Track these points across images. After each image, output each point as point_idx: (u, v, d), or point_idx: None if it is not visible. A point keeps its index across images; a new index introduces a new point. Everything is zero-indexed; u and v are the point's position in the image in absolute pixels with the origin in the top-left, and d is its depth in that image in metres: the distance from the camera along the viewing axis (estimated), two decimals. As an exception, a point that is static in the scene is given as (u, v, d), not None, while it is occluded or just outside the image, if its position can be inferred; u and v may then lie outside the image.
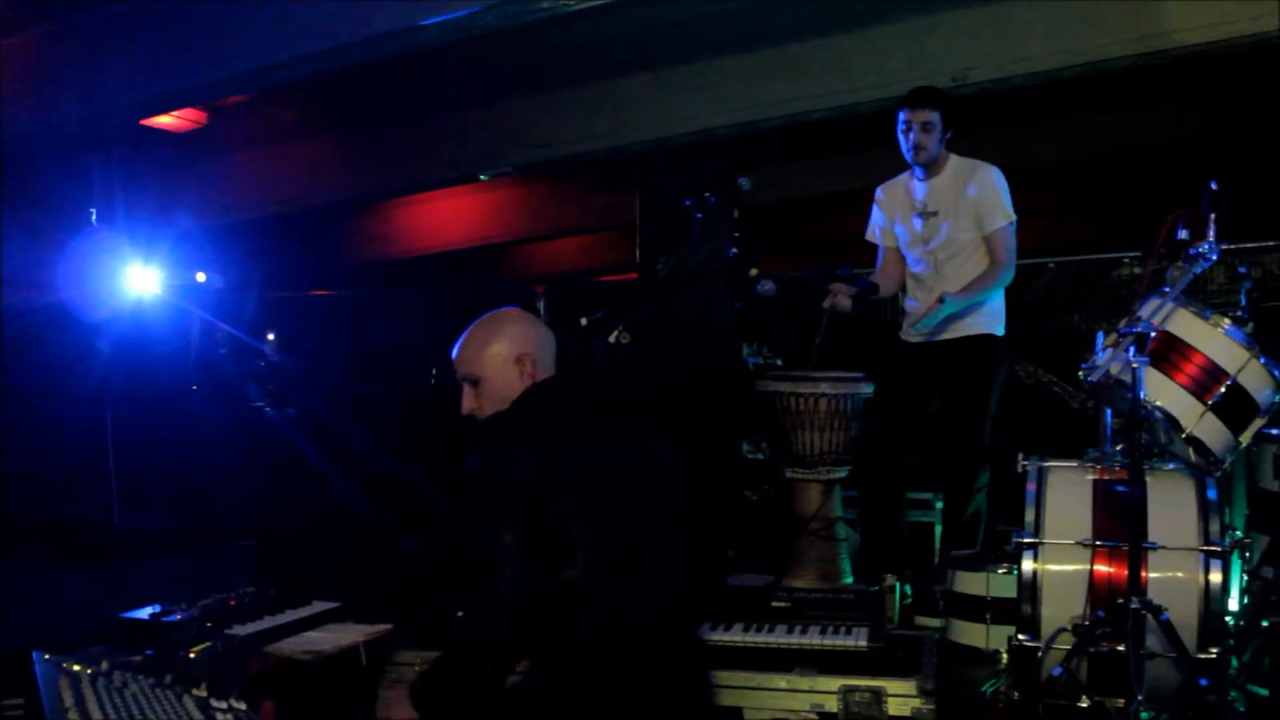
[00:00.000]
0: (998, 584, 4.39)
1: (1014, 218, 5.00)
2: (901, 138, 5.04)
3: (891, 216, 5.30)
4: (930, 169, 5.08)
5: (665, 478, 2.96)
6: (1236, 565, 4.02)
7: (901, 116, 5.02)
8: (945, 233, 5.08)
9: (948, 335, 5.10)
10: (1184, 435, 3.94)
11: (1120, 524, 3.80)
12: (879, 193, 5.36)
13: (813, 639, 4.13)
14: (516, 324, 3.06)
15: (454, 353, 3.06)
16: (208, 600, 3.91)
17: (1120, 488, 3.89)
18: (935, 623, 4.74)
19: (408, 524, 5.99)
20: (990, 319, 5.09)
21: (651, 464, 2.96)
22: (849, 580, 5.04)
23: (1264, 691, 3.90)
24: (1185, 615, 3.70)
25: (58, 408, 6.06)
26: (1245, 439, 4.03)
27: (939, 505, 5.52)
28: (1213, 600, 3.72)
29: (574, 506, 2.68)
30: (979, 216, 5.01)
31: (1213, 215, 3.92)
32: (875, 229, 5.38)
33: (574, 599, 2.68)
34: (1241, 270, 4.42)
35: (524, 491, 2.66)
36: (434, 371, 7.40)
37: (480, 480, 2.71)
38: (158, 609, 3.74)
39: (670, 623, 2.93)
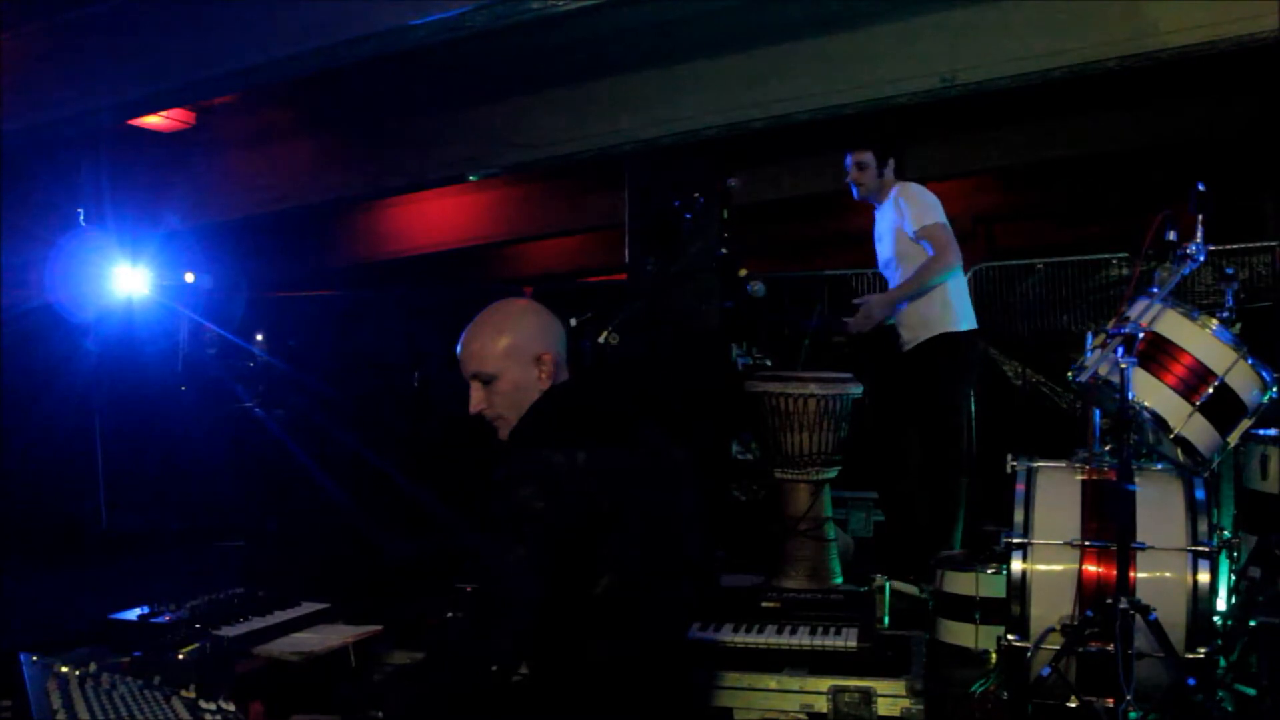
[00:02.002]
0: (987, 584, 4.40)
1: (931, 219, 5.25)
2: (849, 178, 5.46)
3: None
4: (878, 198, 5.47)
5: (682, 481, 2.88)
6: (1224, 565, 4.04)
7: (846, 159, 5.45)
8: (888, 254, 5.45)
9: (913, 342, 5.32)
10: (1172, 436, 3.95)
11: (1109, 524, 3.82)
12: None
13: (802, 639, 4.13)
14: (533, 318, 2.86)
15: (461, 346, 2.84)
16: (196, 601, 3.89)
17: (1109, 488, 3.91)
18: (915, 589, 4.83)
19: (397, 525, 5.98)
20: (944, 318, 5.31)
21: (671, 467, 2.87)
22: (839, 580, 5.04)
23: (1251, 691, 3.91)
24: (1173, 615, 3.71)
25: (45, 409, 6.03)
26: (1233, 439, 4.05)
27: None
28: (1201, 600, 3.74)
29: (606, 516, 2.61)
30: (907, 228, 5.29)
31: (1200, 216, 3.94)
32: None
33: (592, 606, 2.62)
34: (1229, 271, 4.43)
35: (556, 501, 2.54)
36: (420, 373, 7.39)
37: (507, 491, 2.56)
38: (146, 610, 3.73)
39: (674, 625, 2.91)
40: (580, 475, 2.58)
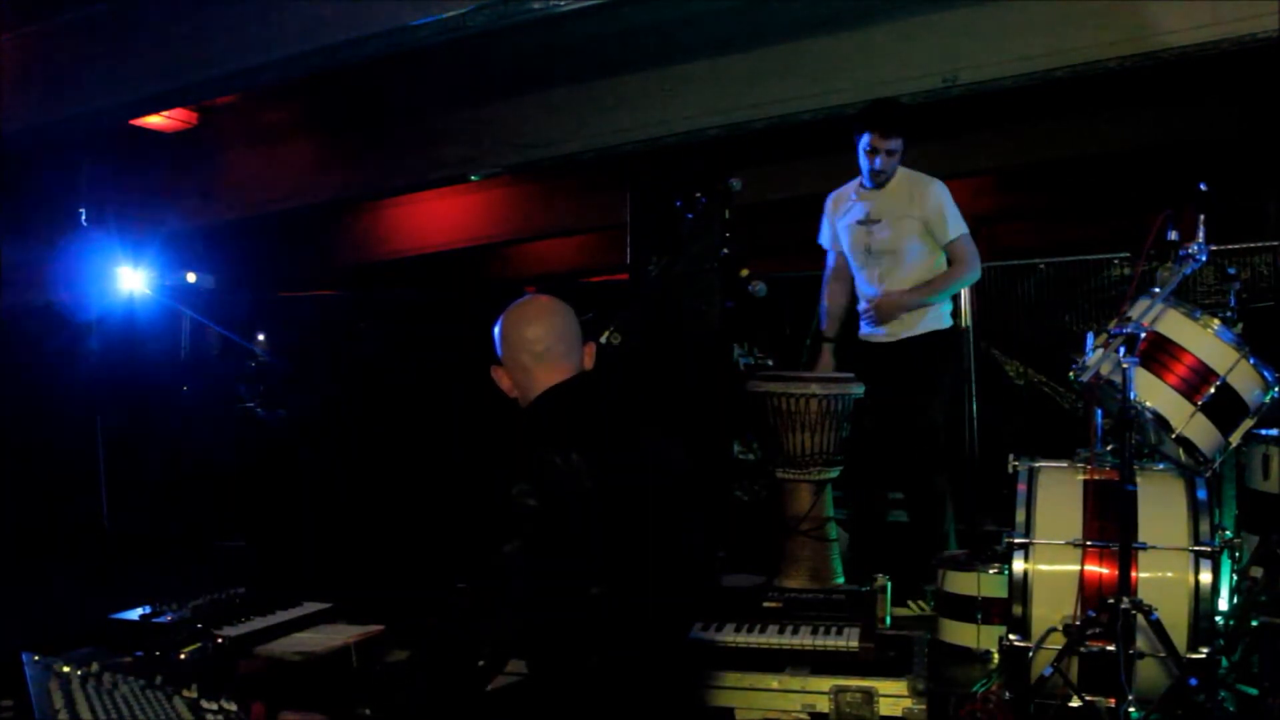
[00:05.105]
0: (989, 584, 4.40)
1: (962, 229, 5.14)
2: (864, 159, 5.19)
3: (837, 223, 5.46)
4: (880, 181, 5.24)
5: (680, 482, 2.87)
6: (1226, 565, 4.03)
7: (866, 140, 5.15)
8: (887, 241, 5.22)
9: (901, 335, 5.20)
10: (1174, 435, 3.95)
11: (1111, 524, 3.82)
12: (829, 200, 5.53)
13: (804, 639, 4.12)
14: (503, 328, 2.91)
15: None
16: (198, 601, 3.89)
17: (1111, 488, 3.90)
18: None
19: (398, 524, 5.98)
20: (938, 317, 5.20)
21: (671, 468, 2.86)
22: (840, 580, 5.05)
23: (1253, 691, 3.91)
24: (1175, 615, 3.71)
25: (47, 408, 6.04)
26: (1235, 439, 4.05)
27: None
28: (1202, 600, 3.74)
29: (604, 517, 2.61)
30: (930, 230, 5.15)
31: (1202, 216, 3.94)
32: (825, 235, 5.55)
33: (591, 606, 2.63)
34: (1231, 271, 4.44)
35: (550, 501, 2.56)
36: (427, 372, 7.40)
37: (503, 490, 2.59)
38: (148, 610, 3.72)
39: (672, 625, 2.91)
40: (577, 475, 2.59)
